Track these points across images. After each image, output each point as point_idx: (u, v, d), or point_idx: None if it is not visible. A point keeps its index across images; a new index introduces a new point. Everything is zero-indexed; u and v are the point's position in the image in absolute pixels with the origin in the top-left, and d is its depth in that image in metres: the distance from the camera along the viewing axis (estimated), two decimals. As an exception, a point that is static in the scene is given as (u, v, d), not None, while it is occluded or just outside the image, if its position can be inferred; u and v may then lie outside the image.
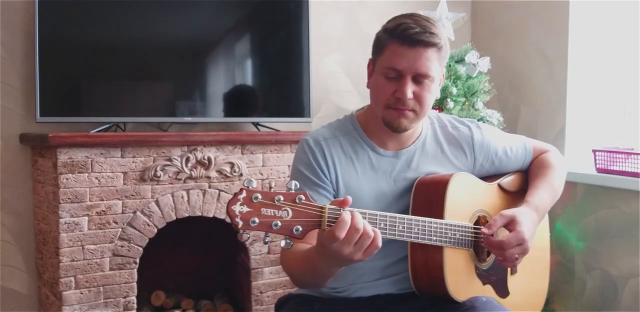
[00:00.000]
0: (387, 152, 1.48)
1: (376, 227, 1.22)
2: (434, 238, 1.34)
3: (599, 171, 2.45)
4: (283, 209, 1.11)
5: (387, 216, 1.27)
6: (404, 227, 1.29)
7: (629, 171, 2.32)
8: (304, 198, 1.13)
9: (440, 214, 1.38)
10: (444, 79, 1.47)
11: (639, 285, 2.33)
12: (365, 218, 1.20)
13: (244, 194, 1.09)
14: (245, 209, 1.09)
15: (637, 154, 2.30)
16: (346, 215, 1.13)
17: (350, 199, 1.16)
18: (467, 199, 1.45)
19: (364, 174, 1.46)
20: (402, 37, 1.34)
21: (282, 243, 1.14)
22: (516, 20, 2.94)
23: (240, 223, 1.09)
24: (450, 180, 1.41)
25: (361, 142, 1.48)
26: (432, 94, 1.40)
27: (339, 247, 1.13)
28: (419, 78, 1.36)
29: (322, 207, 1.15)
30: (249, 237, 1.11)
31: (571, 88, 2.67)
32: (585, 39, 2.66)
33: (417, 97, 1.37)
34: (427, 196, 1.42)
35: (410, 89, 1.35)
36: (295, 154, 1.51)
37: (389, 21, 1.41)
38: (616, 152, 2.38)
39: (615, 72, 2.66)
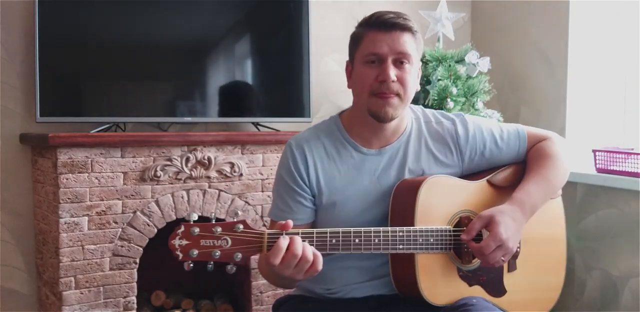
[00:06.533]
0: (370, 150, 1.48)
1: (326, 245, 1.28)
2: (401, 246, 1.34)
3: (599, 171, 2.45)
4: (222, 238, 1.21)
5: (339, 232, 1.30)
6: (360, 241, 1.31)
7: (629, 170, 2.31)
8: (242, 227, 1.21)
9: (411, 221, 1.38)
10: (420, 73, 1.50)
11: (639, 285, 2.33)
12: (312, 239, 1.26)
13: (182, 228, 1.21)
14: (184, 242, 1.20)
15: (637, 154, 2.30)
16: (282, 242, 1.20)
17: (291, 223, 1.24)
18: (444, 202, 1.43)
19: (347, 174, 1.46)
20: (378, 23, 1.40)
21: (228, 268, 1.22)
22: (516, 20, 2.94)
23: (180, 255, 1.20)
24: (421, 185, 1.40)
25: (344, 142, 1.49)
26: (413, 77, 1.42)
27: (278, 270, 1.20)
28: (400, 58, 1.39)
29: (261, 233, 1.23)
30: (192, 266, 1.20)
31: (571, 88, 2.66)
32: (585, 39, 2.66)
33: (400, 80, 1.39)
34: (401, 203, 1.42)
35: (392, 72, 1.38)
36: (280, 157, 1.54)
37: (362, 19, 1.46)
38: (616, 152, 2.38)
39: (616, 72, 2.66)
